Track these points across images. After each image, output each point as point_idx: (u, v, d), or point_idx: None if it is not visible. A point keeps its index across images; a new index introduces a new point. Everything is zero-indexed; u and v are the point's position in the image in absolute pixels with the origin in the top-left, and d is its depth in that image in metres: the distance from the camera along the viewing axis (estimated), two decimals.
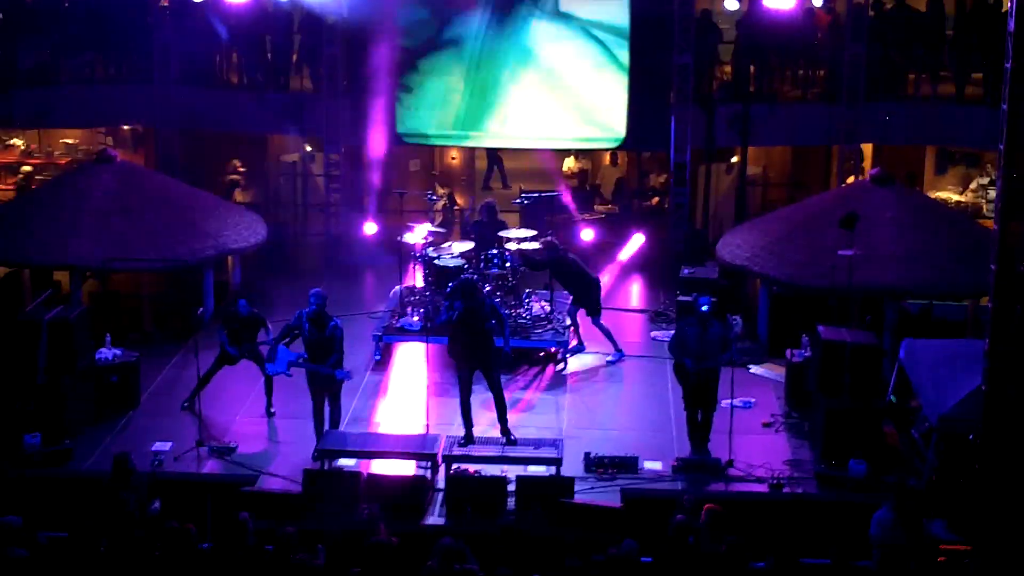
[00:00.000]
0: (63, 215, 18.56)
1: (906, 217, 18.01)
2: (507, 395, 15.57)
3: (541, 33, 21.63)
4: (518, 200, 20.58)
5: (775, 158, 23.79)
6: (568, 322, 18.04)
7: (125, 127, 24.12)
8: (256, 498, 13.56)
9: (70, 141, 24.53)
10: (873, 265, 16.92)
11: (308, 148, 23.77)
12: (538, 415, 16.32)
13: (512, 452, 14.73)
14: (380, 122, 21.75)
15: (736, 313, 18.73)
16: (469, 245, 18.67)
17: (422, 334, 16.81)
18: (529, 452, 14.65)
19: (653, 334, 18.99)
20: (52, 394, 15.21)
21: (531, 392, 17.05)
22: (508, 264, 18.00)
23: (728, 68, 22.50)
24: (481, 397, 15.30)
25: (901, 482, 12.99)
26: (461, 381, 15.13)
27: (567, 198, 22.23)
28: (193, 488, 13.88)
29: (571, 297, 17.94)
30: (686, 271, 19.47)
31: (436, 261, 18.11)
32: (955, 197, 22.59)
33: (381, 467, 14.52)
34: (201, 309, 17.09)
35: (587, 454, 14.88)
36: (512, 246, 18.32)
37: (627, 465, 14.75)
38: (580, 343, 18.12)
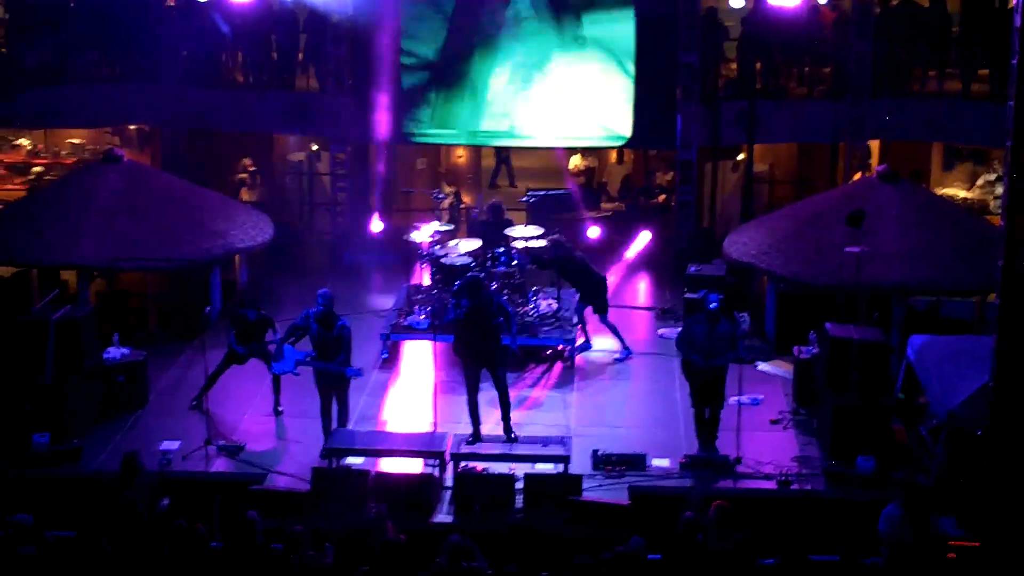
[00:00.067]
0: (70, 215, 18.56)
1: (913, 214, 17.97)
2: (514, 393, 15.58)
3: (552, 42, 21.69)
4: (524, 198, 20.58)
5: (781, 155, 23.77)
6: (575, 320, 18.04)
7: (131, 127, 24.13)
8: (264, 496, 13.58)
9: (76, 141, 24.56)
10: (880, 262, 16.89)
11: (314, 147, 23.78)
12: (546, 412, 16.32)
13: (520, 450, 14.73)
14: (386, 121, 21.75)
15: (743, 310, 18.74)
16: (476, 243, 18.68)
17: (429, 332, 16.83)
18: (537, 450, 14.65)
19: (660, 331, 18.99)
20: (60, 394, 15.24)
21: (539, 390, 17.05)
22: (515, 262, 18.00)
23: (734, 66, 22.47)
24: (489, 395, 15.30)
25: (909, 479, 12.98)
26: (468, 379, 15.15)
27: (576, 195, 22.27)
28: (201, 487, 13.90)
29: (578, 295, 17.95)
30: (693, 268, 19.49)
31: (443, 259, 18.12)
32: (962, 194, 22.55)
33: (389, 465, 14.53)
34: (208, 308, 17.10)
35: (595, 451, 14.87)
36: (519, 244, 18.33)
37: (635, 462, 14.74)
38: (587, 341, 18.12)
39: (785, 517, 13.40)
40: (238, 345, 16.05)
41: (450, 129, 22.23)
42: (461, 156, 25.03)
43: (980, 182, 22.67)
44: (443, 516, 13.84)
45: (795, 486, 14.34)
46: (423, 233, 18.71)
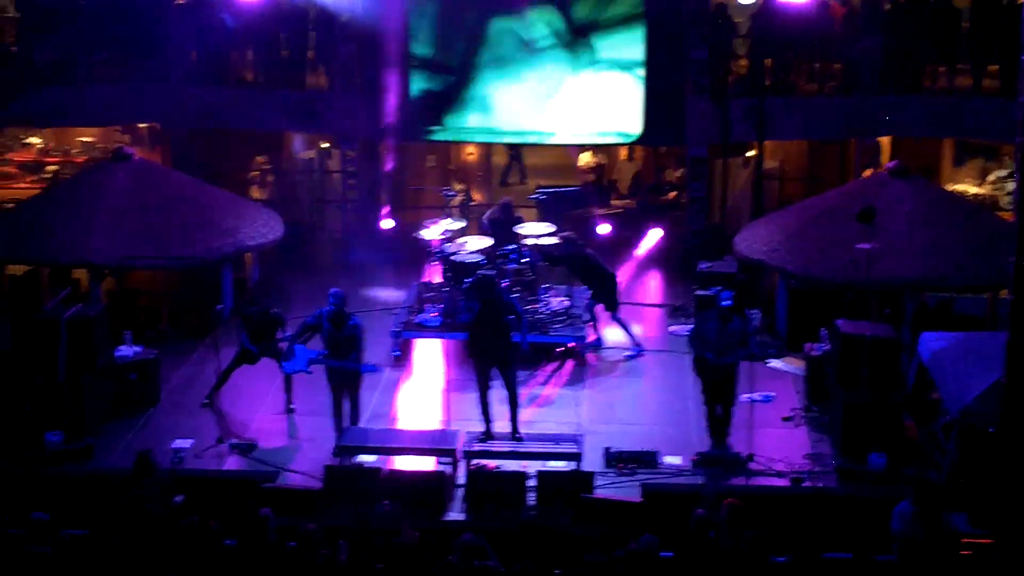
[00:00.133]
0: (81, 213, 18.56)
1: (924, 210, 17.93)
2: (526, 390, 15.57)
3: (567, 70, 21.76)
4: (535, 195, 20.57)
5: (792, 152, 23.73)
6: (586, 317, 18.04)
7: (142, 125, 24.16)
8: (277, 494, 13.57)
9: (87, 139, 24.57)
10: (891, 258, 16.85)
11: (325, 145, 23.79)
12: (557, 410, 16.33)
13: (532, 447, 14.72)
14: (396, 118, 21.75)
15: (754, 307, 18.71)
16: (486, 241, 18.69)
17: (441, 330, 16.83)
18: (549, 447, 14.66)
19: (671, 328, 18.98)
20: (72, 392, 15.27)
21: (550, 387, 17.05)
22: (526, 259, 18.01)
23: (743, 62, 22.46)
24: (501, 392, 15.30)
25: (921, 475, 12.98)
26: (478, 376, 15.16)
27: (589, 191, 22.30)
28: (214, 485, 13.93)
29: (590, 292, 17.95)
30: (703, 265, 19.47)
31: (453, 257, 18.13)
32: (973, 189, 22.49)
33: (401, 463, 14.55)
34: (220, 306, 17.11)
35: (607, 449, 14.86)
36: (530, 241, 18.33)
37: (647, 460, 14.73)
38: (599, 338, 18.13)
39: (797, 514, 13.39)
40: (251, 344, 16.07)
41: (460, 126, 22.22)
42: (471, 153, 25.02)
43: (991, 178, 22.61)
44: (455, 514, 13.84)
45: (807, 483, 14.33)
46: (433, 231, 18.72)
